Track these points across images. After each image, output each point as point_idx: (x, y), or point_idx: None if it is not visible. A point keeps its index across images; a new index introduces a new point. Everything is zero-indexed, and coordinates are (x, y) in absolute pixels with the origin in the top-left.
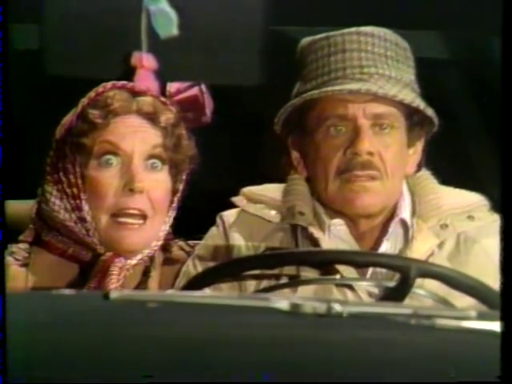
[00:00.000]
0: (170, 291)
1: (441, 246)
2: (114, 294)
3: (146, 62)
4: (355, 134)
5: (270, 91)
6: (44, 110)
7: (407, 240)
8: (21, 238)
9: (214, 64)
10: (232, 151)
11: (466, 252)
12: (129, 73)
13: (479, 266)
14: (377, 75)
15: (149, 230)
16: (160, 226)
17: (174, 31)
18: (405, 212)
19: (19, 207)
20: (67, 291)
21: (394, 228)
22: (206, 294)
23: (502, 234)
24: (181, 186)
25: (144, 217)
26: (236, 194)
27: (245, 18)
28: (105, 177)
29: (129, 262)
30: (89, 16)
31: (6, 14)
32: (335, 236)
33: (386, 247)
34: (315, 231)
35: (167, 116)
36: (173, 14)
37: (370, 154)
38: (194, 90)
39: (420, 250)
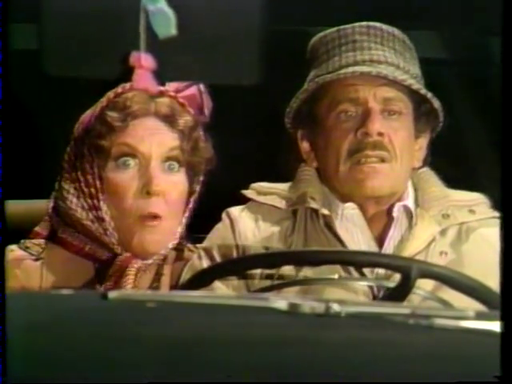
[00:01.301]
0: (168, 291)
1: (443, 233)
2: (112, 294)
3: (144, 61)
4: (366, 115)
5: (268, 91)
6: (42, 109)
7: (411, 227)
8: (36, 229)
9: (213, 64)
10: (232, 151)
11: (468, 240)
12: (127, 72)
13: (481, 254)
14: (386, 63)
15: (165, 231)
16: (176, 226)
17: (173, 31)
18: (408, 201)
19: (19, 207)
20: (65, 291)
21: (398, 213)
22: (205, 294)
23: (502, 235)
24: (197, 188)
25: (161, 218)
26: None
27: (243, 17)
28: (123, 179)
29: (145, 262)
30: (87, 15)
31: (7, 14)
32: (347, 220)
33: (392, 233)
34: (327, 215)
35: (185, 119)
36: (171, 14)
37: (380, 134)
38: (193, 90)
39: (422, 235)
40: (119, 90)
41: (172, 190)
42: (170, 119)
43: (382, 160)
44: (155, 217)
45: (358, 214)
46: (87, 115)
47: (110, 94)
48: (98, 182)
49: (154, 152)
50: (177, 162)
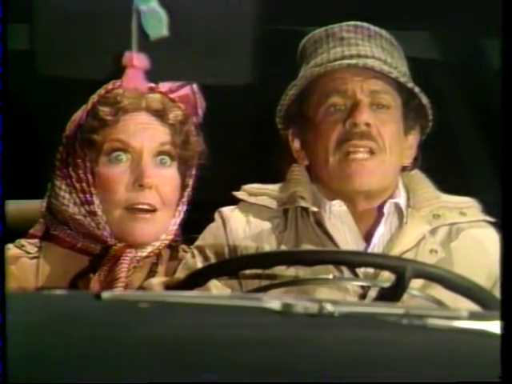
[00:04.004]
0: (161, 291)
1: (433, 232)
2: (105, 294)
3: (136, 61)
4: (354, 107)
5: (261, 91)
6: (35, 109)
7: (401, 226)
8: (31, 231)
9: (206, 64)
10: (225, 152)
11: (458, 239)
12: (121, 72)
13: (470, 253)
14: (373, 58)
15: (159, 223)
16: (169, 219)
17: (164, 32)
18: (399, 199)
19: (19, 207)
20: (59, 291)
21: (389, 210)
22: (198, 295)
23: (502, 236)
24: (190, 181)
25: (154, 210)
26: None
27: (236, 17)
28: (115, 173)
29: (139, 253)
30: (80, 15)
31: (6, 15)
32: (334, 217)
33: (382, 230)
34: (317, 212)
35: (175, 113)
36: (163, 15)
37: (368, 125)
38: (186, 90)
39: (412, 234)
40: (110, 86)
41: (164, 184)
42: (160, 114)
43: (371, 151)
44: (148, 210)
45: (345, 211)
46: (79, 112)
47: (101, 90)
48: (90, 177)
49: (145, 147)
50: (168, 156)
